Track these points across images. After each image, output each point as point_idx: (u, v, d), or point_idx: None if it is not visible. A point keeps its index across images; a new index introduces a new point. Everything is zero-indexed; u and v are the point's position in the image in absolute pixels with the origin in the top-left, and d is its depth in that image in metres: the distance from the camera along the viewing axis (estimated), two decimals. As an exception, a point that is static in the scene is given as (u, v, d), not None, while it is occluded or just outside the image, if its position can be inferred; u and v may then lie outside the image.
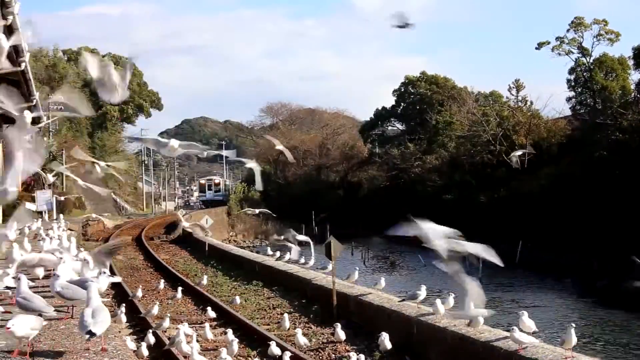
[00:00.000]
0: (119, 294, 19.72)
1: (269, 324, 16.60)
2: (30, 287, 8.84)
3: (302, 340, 13.67)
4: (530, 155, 35.01)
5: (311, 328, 16.08)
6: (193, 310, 18.41)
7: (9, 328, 6.54)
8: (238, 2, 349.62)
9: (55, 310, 8.28)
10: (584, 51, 58.21)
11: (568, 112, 58.81)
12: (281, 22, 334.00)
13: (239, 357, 13.20)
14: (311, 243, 23.41)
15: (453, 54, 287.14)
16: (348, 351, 13.64)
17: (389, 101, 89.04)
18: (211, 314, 16.54)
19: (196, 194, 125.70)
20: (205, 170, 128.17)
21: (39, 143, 7.96)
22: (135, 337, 14.29)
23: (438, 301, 13.43)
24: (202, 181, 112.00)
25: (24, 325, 6.70)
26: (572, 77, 58.61)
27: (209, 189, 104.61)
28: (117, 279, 14.58)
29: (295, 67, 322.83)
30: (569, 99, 59.10)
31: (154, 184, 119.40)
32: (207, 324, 14.81)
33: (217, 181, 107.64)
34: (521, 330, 11.33)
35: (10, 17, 14.97)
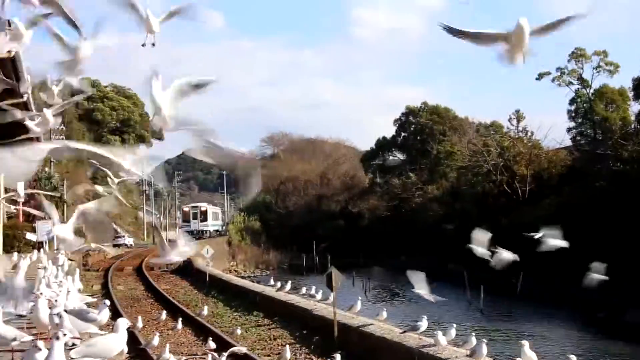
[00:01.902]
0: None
1: (270, 355, 16.54)
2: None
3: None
4: None
5: (312, 359, 16.02)
6: (193, 341, 18.32)
7: None
8: (238, 32, 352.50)
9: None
10: (583, 82, 58.62)
11: (569, 143, 59.05)
12: (280, 52, 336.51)
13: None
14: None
15: (453, 84, 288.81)
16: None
17: (390, 131, 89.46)
18: (212, 344, 16.47)
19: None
20: (207, 199, 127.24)
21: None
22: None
23: (439, 332, 13.40)
24: (186, 209, 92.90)
25: None
26: (573, 107, 58.99)
27: (194, 218, 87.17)
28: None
29: (294, 95, 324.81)
30: (569, 130, 59.44)
31: (155, 214, 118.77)
32: (209, 355, 14.75)
33: (203, 208, 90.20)
34: (522, 362, 11.30)
35: (14, 50, 15.08)
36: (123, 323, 8.22)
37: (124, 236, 67.09)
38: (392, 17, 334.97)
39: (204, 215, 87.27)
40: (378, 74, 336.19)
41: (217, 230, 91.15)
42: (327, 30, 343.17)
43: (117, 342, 7.96)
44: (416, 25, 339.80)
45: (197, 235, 79.27)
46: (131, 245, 70.01)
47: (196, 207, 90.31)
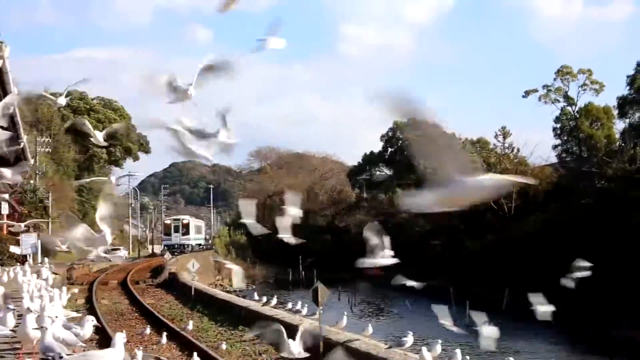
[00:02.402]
0: (102, 339, 19.47)
1: (254, 371, 16.46)
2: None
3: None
4: None
5: (297, 375, 15.94)
6: (178, 357, 18.20)
7: None
8: (225, 46, 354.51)
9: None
10: (569, 100, 59.09)
11: (554, 160, 59.46)
12: (269, 67, 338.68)
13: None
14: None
15: (440, 101, 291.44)
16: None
17: (377, 146, 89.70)
18: (197, 360, 16.37)
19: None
20: (193, 213, 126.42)
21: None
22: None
23: (424, 349, 13.38)
24: (167, 221, 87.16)
25: None
26: (558, 125, 59.41)
27: (176, 232, 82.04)
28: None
29: (283, 111, 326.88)
30: (555, 147, 59.83)
31: (141, 227, 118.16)
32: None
33: (185, 221, 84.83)
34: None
35: (0, 61, 15.08)
36: (120, 338, 8.16)
37: (119, 249, 70.32)
38: (380, 33, 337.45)
39: (185, 229, 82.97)
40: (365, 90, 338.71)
41: (199, 244, 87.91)
42: (316, 46, 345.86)
43: (114, 357, 7.89)
44: (404, 42, 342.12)
45: (179, 249, 76.59)
46: (125, 257, 72.03)
47: (178, 219, 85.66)
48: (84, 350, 9.37)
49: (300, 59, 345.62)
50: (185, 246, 79.99)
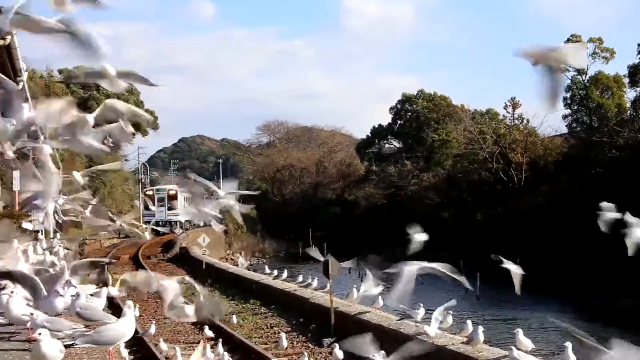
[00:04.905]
0: (115, 314, 19.62)
1: (266, 343, 16.57)
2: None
3: None
4: None
5: (309, 347, 16.05)
6: (190, 330, 18.34)
7: None
8: (229, 22, 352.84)
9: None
10: (579, 69, 58.58)
11: (564, 130, 59.10)
12: (271, 42, 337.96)
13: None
14: None
15: (446, 73, 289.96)
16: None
17: (385, 119, 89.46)
18: (208, 333, 16.49)
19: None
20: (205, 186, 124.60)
21: None
22: (132, 357, 14.24)
23: (426, 326, 13.27)
24: (149, 192, 66.67)
25: None
26: (568, 94, 58.92)
27: (160, 205, 64.17)
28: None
29: (287, 86, 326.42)
30: (565, 117, 59.40)
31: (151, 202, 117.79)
32: (200, 343, 14.75)
33: (172, 192, 63.24)
34: (518, 349, 11.35)
35: (9, 37, 15.01)
36: (130, 306, 8.11)
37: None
38: (383, 6, 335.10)
39: (172, 201, 64.09)
40: (370, 63, 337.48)
41: (190, 221, 68.36)
42: (319, 20, 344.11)
43: (126, 327, 7.86)
44: (407, 14, 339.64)
45: (164, 227, 60.34)
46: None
47: (163, 189, 67.71)
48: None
49: (303, 33, 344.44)
50: (172, 223, 64.26)
